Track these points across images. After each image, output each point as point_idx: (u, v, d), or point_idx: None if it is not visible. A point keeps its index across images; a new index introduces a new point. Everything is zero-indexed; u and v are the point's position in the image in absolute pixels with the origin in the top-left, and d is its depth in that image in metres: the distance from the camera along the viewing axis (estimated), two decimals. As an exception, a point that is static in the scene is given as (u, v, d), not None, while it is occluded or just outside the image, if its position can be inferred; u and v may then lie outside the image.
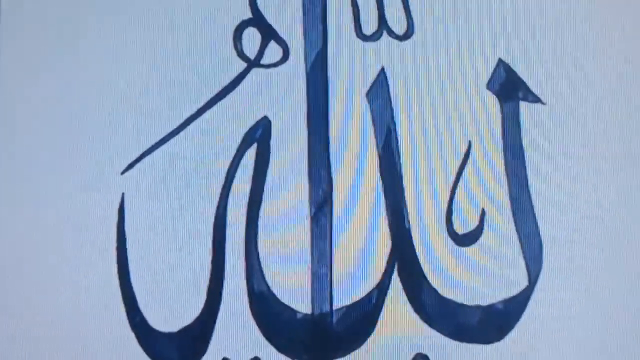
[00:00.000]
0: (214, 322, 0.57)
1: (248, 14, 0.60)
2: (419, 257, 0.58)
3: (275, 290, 0.58)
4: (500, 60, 0.59)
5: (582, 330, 0.57)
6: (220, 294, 0.58)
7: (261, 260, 0.58)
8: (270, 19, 0.60)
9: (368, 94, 0.59)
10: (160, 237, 0.58)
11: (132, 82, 0.59)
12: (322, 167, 0.58)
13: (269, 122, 0.59)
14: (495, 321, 0.57)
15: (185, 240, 0.58)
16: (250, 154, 0.59)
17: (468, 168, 0.58)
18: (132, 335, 0.57)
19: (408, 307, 0.58)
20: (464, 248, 0.58)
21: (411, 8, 0.59)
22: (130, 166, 0.58)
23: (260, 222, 0.58)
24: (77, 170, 0.59)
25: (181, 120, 0.59)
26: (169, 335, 0.58)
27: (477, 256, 0.58)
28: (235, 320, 0.58)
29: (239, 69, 0.59)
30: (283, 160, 0.59)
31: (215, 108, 0.59)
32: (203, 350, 0.57)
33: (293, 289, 0.58)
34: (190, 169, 0.58)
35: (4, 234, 0.58)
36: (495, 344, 0.57)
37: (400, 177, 0.58)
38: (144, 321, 0.58)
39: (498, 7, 0.59)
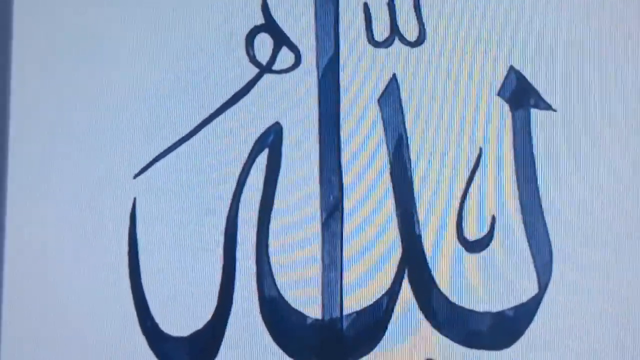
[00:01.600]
0: (225, 326, 0.58)
1: (260, 20, 0.60)
2: (429, 263, 0.58)
3: (285, 295, 0.58)
4: (511, 68, 0.59)
5: (593, 337, 0.57)
6: (231, 298, 0.58)
7: (272, 265, 0.58)
8: (283, 24, 0.60)
9: (379, 100, 0.59)
10: (172, 242, 0.58)
11: (145, 87, 0.59)
12: (333, 173, 0.59)
13: (281, 127, 0.59)
14: (505, 328, 0.57)
15: (197, 245, 0.58)
16: (262, 160, 0.59)
17: (479, 175, 0.58)
18: (143, 339, 0.58)
19: (418, 313, 0.58)
20: (475, 254, 0.58)
21: (423, 15, 0.59)
22: (143, 170, 0.59)
23: (271, 228, 0.58)
24: (90, 175, 0.59)
25: (193, 125, 0.59)
26: (180, 339, 0.58)
27: (487, 263, 0.58)
28: (246, 325, 0.58)
29: (251, 75, 0.59)
30: (294, 165, 0.59)
31: (227, 113, 0.59)
32: (213, 354, 0.58)
33: (304, 294, 0.58)
34: (202, 174, 0.59)
35: (17, 238, 0.59)
36: (505, 350, 0.57)
37: (411, 183, 0.58)
38: (155, 326, 0.58)
39: (509, 15, 0.59)
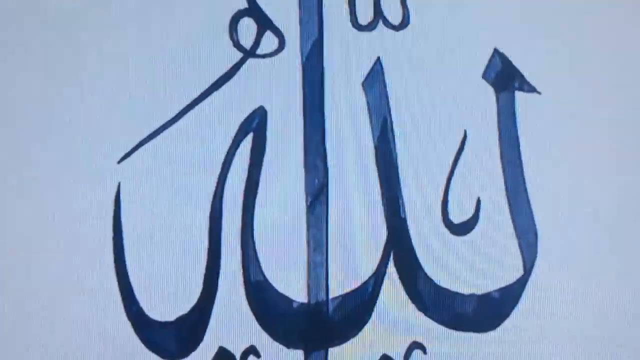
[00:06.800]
0: (211, 311, 0.57)
1: (244, 4, 0.60)
2: (414, 247, 0.58)
3: (271, 279, 0.58)
4: (495, 50, 0.59)
5: (578, 318, 0.57)
6: (217, 283, 0.58)
7: (257, 249, 0.58)
8: (266, 9, 0.60)
9: (364, 83, 0.59)
10: (157, 227, 0.58)
11: (128, 72, 0.59)
12: (318, 157, 0.59)
13: (265, 111, 0.59)
14: (490, 310, 0.57)
15: (182, 230, 0.58)
16: (247, 144, 0.59)
17: (464, 158, 0.59)
18: (128, 324, 0.57)
19: (404, 296, 0.58)
20: (460, 237, 0.58)
21: (407, -2, 0.60)
22: (127, 156, 0.58)
23: (257, 212, 0.58)
24: (73, 160, 0.58)
25: (177, 110, 0.59)
26: (166, 324, 0.58)
27: (472, 245, 0.58)
28: (232, 309, 0.58)
29: (235, 59, 0.59)
30: (279, 150, 0.59)
31: (211, 98, 0.59)
32: (199, 339, 0.57)
33: (289, 278, 0.58)
34: (186, 159, 0.58)
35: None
36: (491, 333, 0.57)
37: (396, 167, 0.58)
38: (140, 310, 0.57)
39: (493, -3, 0.59)
